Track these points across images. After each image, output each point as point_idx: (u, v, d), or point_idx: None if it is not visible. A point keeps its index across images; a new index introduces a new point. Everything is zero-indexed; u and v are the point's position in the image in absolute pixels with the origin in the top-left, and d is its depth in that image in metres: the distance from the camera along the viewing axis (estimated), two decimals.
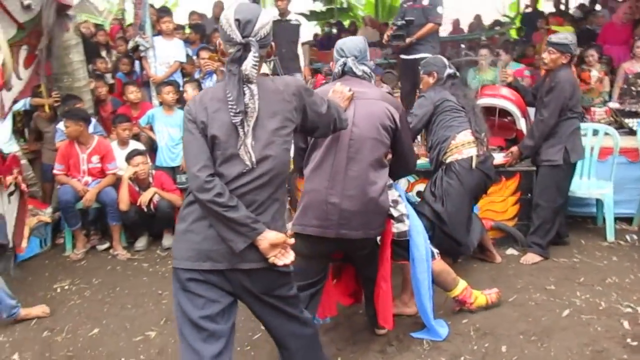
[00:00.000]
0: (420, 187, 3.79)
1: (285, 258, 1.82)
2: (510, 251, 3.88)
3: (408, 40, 4.93)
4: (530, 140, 3.75)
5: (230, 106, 1.74)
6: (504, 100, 4.23)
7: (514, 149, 3.91)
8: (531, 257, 3.74)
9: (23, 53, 3.76)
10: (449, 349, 2.69)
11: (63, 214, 4.40)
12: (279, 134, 1.80)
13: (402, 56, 5.21)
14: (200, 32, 6.76)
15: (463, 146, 3.20)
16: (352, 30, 9.45)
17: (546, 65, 3.71)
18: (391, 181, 2.64)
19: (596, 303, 3.07)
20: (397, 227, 2.63)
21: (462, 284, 2.94)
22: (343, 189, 2.32)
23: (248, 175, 1.76)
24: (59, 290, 3.73)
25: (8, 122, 4.41)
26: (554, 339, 2.72)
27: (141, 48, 5.27)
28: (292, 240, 1.85)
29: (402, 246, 2.69)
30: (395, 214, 2.61)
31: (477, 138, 3.19)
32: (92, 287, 3.75)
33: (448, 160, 3.21)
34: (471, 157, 3.18)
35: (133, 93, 5.15)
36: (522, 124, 4.23)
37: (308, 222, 2.35)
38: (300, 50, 5.72)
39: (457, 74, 3.38)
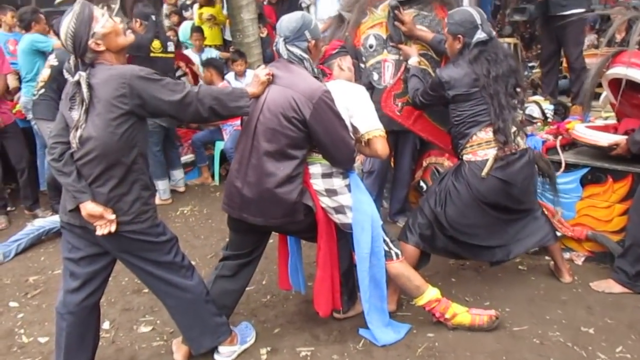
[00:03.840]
0: None
1: (104, 229, 2.05)
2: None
3: None
4: None
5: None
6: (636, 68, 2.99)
7: (622, 140, 2.95)
8: (608, 285, 2.93)
9: None
10: (377, 357, 2.48)
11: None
12: (103, 117, 1.99)
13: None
14: None
15: (480, 146, 2.66)
16: None
17: None
18: (331, 169, 2.46)
19: None
20: (338, 219, 2.49)
21: (430, 293, 2.58)
22: (246, 174, 2.35)
23: (79, 152, 2.04)
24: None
25: None
26: None
27: (303, 5, 5.61)
28: (111, 217, 2.05)
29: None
30: (331, 204, 2.46)
31: (499, 137, 2.59)
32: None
33: (464, 158, 2.73)
34: (486, 160, 2.63)
35: None
36: None
37: (223, 198, 2.48)
38: None
39: (492, 37, 2.64)
